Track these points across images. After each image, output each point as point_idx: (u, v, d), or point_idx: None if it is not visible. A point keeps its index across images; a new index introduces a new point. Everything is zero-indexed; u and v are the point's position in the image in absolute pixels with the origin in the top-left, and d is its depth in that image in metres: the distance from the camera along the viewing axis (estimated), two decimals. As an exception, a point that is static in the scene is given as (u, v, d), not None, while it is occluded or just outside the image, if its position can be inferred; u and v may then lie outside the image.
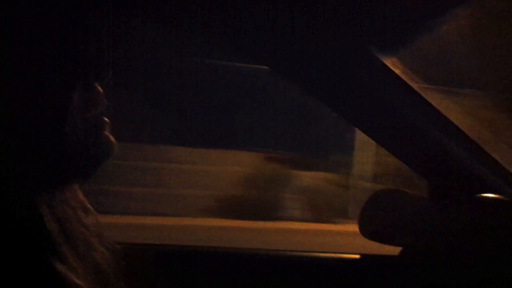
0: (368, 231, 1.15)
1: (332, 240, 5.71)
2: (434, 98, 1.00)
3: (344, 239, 6.03)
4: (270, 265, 1.21)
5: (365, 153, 8.68)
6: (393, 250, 1.15)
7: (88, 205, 0.63)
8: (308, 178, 7.97)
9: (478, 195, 1.04)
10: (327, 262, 1.26)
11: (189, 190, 7.01)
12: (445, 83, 1.14)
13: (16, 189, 0.51)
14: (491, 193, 1.04)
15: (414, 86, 0.98)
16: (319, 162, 8.53)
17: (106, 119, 0.60)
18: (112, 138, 0.60)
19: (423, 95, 0.99)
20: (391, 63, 0.95)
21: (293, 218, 7.10)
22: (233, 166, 7.82)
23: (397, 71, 0.95)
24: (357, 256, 1.25)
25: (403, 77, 0.96)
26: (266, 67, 0.94)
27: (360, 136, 8.65)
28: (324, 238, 5.97)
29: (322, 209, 7.59)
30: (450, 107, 1.02)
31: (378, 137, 1.09)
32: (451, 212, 1.06)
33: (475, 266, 1.03)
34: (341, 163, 8.26)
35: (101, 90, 0.59)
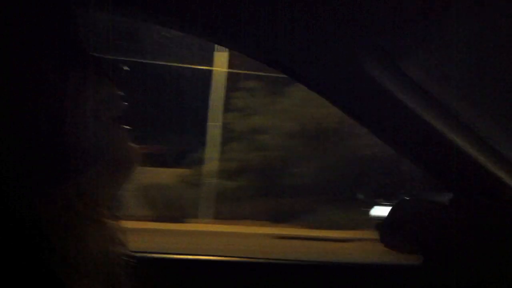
0: (391, 241, 1.14)
1: (180, 240, 5.46)
2: (444, 96, 1.01)
3: (194, 239, 5.95)
4: (276, 274, 1.22)
5: (215, 149, 8.78)
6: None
7: (105, 210, 0.61)
8: (155, 174, 7.65)
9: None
10: (337, 269, 1.26)
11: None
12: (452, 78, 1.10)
13: (18, 192, 0.51)
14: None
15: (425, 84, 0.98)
16: (169, 158, 8.31)
17: (127, 127, 0.61)
18: (136, 148, 0.62)
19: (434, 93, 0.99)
20: (399, 56, 0.97)
21: (135, 217, 6.72)
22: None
23: (404, 67, 0.97)
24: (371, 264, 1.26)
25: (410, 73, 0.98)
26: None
27: (211, 132, 8.85)
28: (169, 238, 5.68)
29: (168, 207, 7.37)
30: (461, 105, 1.02)
31: (390, 140, 1.06)
32: (472, 216, 1.06)
33: (492, 269, 1.05)
34: (192, 160, 8.16)
35: (118, 91, 0.61)
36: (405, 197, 1.16)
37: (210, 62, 9.57)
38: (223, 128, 8.33)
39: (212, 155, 8.29)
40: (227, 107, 8.25)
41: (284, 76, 1.02)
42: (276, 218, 6.79)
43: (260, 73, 9.12)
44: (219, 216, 7.56)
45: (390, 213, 1.14)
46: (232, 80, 9.22)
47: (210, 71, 10.34)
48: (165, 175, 7.58)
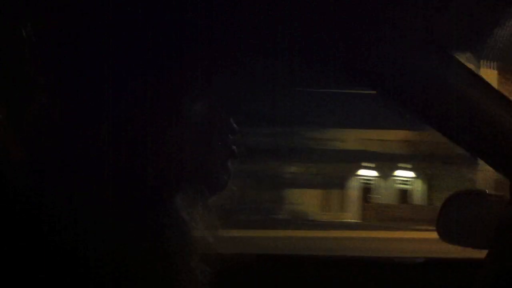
0: (448, 235, 1.10)
1: None
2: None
3: None
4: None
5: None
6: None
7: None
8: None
9: None
10: (401, 266, 1.31)
11: None
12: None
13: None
14: None
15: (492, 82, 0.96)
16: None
17: (235, 148, 0.63)
18: (231, 169, 0.63)
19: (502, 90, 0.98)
20: (466, 59, 0.95)
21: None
22: None
23: (472, 67, 0.95)
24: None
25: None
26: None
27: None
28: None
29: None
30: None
31: (455, 136, 1.03)
32: None
33: None
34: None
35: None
36: (458, 191, 1.13)
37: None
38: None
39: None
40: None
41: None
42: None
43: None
44: None
45: (447, 208, 1.10)
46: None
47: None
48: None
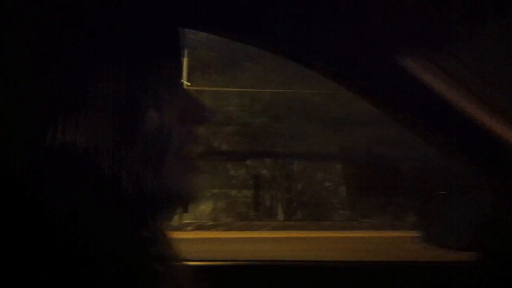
0: (432, 238, 1.08)
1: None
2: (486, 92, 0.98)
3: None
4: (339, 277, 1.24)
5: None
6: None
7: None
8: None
9: None
10: (390, 269, 1.27)
11: None
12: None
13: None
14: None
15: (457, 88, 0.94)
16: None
17: (197, 163, 0.62)
18: (196, 185, 0.62)
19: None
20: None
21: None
22: None
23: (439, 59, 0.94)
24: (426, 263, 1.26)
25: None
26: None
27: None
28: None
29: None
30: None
31: (433, 140, 1.04)
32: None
33: None
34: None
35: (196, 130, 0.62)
36: (442, 192, 1.10)
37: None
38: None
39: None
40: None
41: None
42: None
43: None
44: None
45: (427, 210, 1.09)
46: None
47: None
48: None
